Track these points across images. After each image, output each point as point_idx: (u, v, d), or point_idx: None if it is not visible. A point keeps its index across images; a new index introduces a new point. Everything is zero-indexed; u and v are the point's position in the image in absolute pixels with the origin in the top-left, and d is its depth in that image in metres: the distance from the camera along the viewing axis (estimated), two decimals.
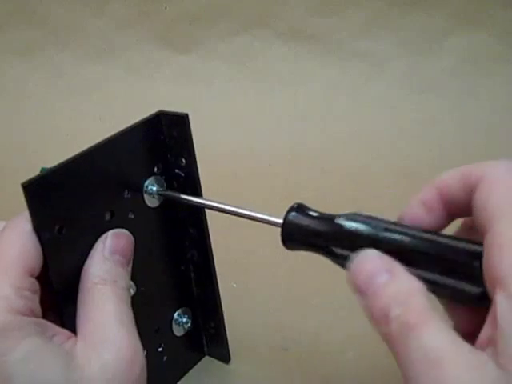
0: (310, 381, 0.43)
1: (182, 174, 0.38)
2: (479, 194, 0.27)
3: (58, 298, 0.32)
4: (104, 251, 0.33)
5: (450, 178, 0.29)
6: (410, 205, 0.30)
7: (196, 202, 0.38)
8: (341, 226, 0.30)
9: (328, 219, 0.31)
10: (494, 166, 0.27)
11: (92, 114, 0.81)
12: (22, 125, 0.80)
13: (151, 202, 0.38)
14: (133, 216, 0.36)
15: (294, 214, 0.32)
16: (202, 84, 0.82)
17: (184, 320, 0.42)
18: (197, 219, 0.40)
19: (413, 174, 0.70)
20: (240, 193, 0.68)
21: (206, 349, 0.45)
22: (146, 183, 0.37)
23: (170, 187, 0.38)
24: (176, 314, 0.42)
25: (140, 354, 0.30)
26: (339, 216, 0.30)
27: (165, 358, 0.41)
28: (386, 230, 0.29)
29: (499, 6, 0.76)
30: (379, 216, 0.30)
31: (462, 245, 0.28)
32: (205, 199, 0.38)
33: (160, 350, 0.41)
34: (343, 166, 0.72)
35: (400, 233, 0.29)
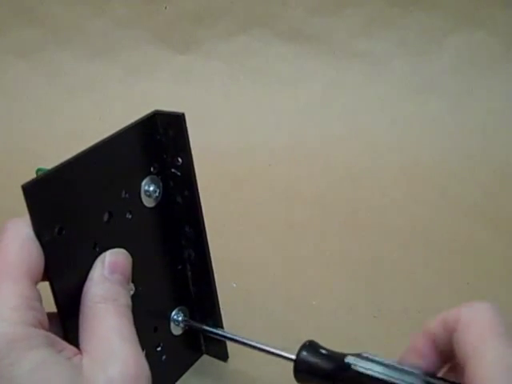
0: None
1: (179, 174, 0.38)
2: (456, 337, 0.29)
3: (59, 305, 0.32)
4: (103, 271, 0.32)
5: (435, 327, 0.31)
6: (405, 352, 0.32)
7: (218, 335, 0.42)
8: (349, 365, 0.32)
9: (337, 358, 0.33)
10: (469, 308, 0.29)
11: (92, 114, 0.80)
12: (22, 125, 0.80)
13: (148, 201, 0.38)
14: (130, 216, 0.36)
15: (305, 352, 0.35)
16: (201, 84, 0.82)
17: (181, 319, 0.42)
18: (193, 218, 0.40)
19: (413, 174, 0.70)
20: (240, 193, 0.68)
21: (203, 347, 0.46)
22: (143, 183, 0.37)
23: (166, 187, 0.38)
24: (173, 313, 0.42)
25: (145, 368, 0.30)
26: (346, 355, 0.33)
27: (163, 357, 0.42)
28: (388, 370, 0.31)
29: (499, 6, 0.76)
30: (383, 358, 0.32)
31: None
32: (226, 332, 0.42)
33: (159, 349, 0.41)
34: (343, 166, 0.72)
35: (401, 373, 0.31)
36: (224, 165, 0.71)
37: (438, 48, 0.78)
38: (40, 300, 0.29)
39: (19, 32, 0.83)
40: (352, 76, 0.80)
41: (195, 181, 0.39)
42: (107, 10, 0.81)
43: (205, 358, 0.46)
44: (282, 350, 0.37)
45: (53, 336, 0.29)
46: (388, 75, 0.79)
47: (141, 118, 0.36)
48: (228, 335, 0.41)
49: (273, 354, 0.38)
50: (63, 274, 0.32)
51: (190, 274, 0.42)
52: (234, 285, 0.52)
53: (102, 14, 0.82)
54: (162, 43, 0.82)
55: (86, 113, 0.81)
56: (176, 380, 0.44)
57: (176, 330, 0.42)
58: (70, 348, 0.30)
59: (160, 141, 0.37)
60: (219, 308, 0.43)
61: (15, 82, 0.84)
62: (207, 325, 0.43)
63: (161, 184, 0.38)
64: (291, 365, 0.35)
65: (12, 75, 0.84)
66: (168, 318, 0.42)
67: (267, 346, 0.39)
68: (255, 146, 0.75)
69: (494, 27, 0.76)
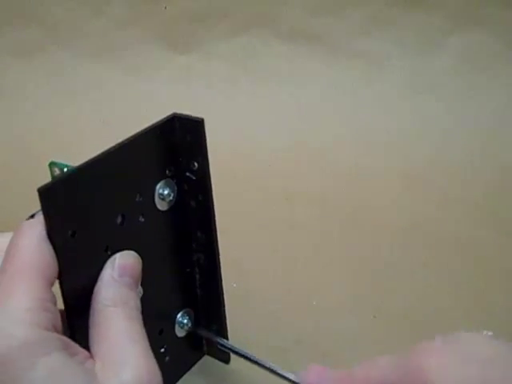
0: None
1: (194, 178, 0.38)
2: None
3: (68, 307, 0.32)
4: (113, 274, 0.32)
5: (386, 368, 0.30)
6: None
7: (223, 346, 0.42)
8: None
9: None
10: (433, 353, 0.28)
11: (92, 114, 0.80)
12: (22, 125, 0.80)
13: (162, 205, 0.37)
14: (143, 219, 0.36)
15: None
16: (202, 84, 0.82)
17: (185, 321, 0.42)
18: (206, 223, 0.40)
19: (413, 174, 0.70)
20: (240, 193, 0.68)
21: (205, 349, 0.46)
22: (158, 186, 0.37)
23: (180, 190, 0.38)
24: (179, 316, 0.42)
25: (157, 372, 0.30)
26: None
27: (167, 358, 0.41)
28: None
29: (499, 6, 0.76)
30: None
31: None
32: (235, 348, 0.41)
33: (162, 350, 0.41)
34: (343, 166, 0.72)
35: None
36: (224, 165, 0.71)
37: (438, 48, 0.78)
38: (54, 302, 0.29)
39: (19, 32, 0.83)
40: (352, 76, 0.80)
41: (210, 185, 0.38)
42: (107, 10, 0.81)
43: (206, 357, 0.46)
44: (287, 371, 0.37)
45: (66, 339, 0.29)
46: (388, 75, 0.79)
47: (159, 121, 0.36)
48: (235, 349, 0.41)
49: (277, 374, 0.38)
50: (73, 276, 0.31)
51: (197, 276, 0.42)
52: (234, 285, 0.52)
53: (102, 14, 0.82)
54: (162, 43, 0.82)
55: (85, 113, 0.81)
56: (177, 380, 0.44)
57: (180, 332, 0.42)
58: (82, 351, 0.29)
59: (177, 144, 0.37)
60: (225, 312, 0.43)
61: (15, 82, 0.84)
62: (211, 330, 0.43)
63: (175, 187, 0.38)
64: (292, 361, 0.35)
65: (12, 75, 0.84)
66: (173, 320, 0.42)
67: (271, 364, 0.38)
68: (255, 146, 0.75)
69: (494, 27, 0.76)
